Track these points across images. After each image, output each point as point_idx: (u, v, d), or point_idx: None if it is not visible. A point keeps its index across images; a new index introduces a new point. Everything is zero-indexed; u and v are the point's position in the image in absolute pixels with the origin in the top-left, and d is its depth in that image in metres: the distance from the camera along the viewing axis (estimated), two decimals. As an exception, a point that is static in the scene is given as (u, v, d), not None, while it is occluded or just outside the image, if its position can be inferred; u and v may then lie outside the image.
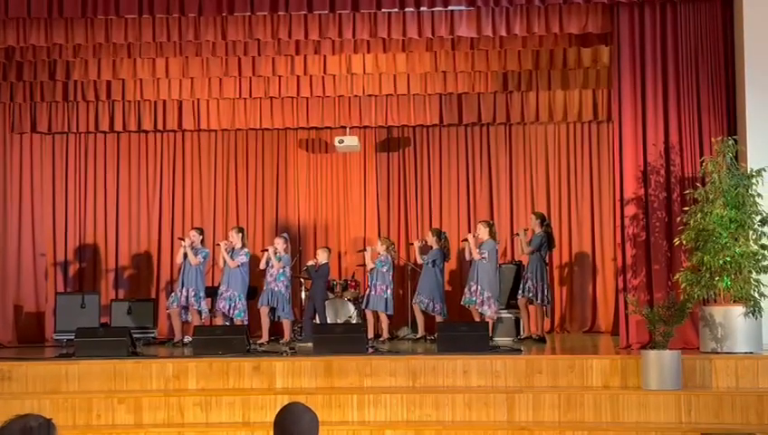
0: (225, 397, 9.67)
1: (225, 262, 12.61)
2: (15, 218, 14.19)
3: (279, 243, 12.74)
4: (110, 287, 14.74)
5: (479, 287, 12.28)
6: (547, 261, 12.90)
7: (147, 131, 14.82)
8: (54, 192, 14.80)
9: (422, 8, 10.82)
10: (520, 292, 12.66)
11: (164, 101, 14.22)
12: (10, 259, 14.02)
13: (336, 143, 14.21)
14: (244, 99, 14.04)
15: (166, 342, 13.01)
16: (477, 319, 12.23)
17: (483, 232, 12.53)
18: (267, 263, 12.66)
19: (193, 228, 13.27)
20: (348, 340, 10.72)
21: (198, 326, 11.89)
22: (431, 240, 13.10)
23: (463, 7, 10.86)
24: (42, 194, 14.59)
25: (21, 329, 13.93)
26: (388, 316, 12.95)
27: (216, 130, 14.86)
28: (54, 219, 14.77)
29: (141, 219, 15.01)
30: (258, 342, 12.13)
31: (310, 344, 11.41)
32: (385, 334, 12.77)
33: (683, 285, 9.76)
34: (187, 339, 12.33)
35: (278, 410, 3.70)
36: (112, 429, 9.46)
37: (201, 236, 12.89)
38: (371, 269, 12.96)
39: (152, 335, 13.38)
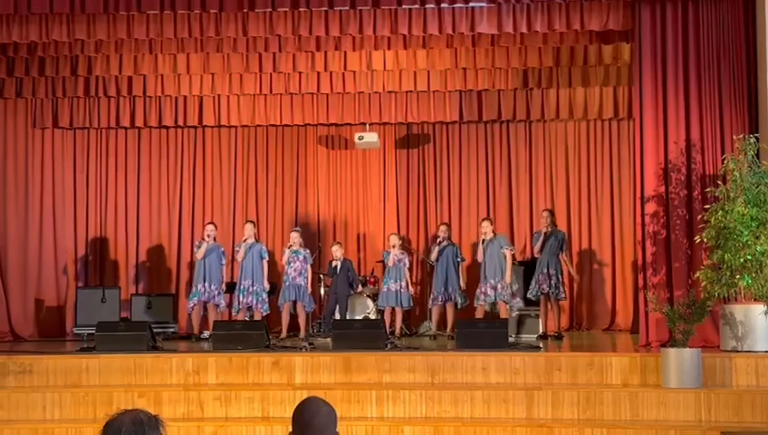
0: (245, 392, 9.70)
1: (254, 258, 12.65)
2: (37, 213, 14.30)
3: (295, 237, 12.76)
4: (131, 282, 14.80)
5: (505, 282, 12.23)
6: (557, 253, 12.79)
7: (167, 127, 14.88)
8: (75, 187, 14.84)
9: (443, 5, 10.84)
10: (535, 287, 12.63)
11: (185, 97, 14.28)
12: (31, 254, 14.13)
13: (356, 140, 14.21)
14: (265, 95, 14.08)
15: (186, 337, 13.05)
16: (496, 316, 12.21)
17: (488, 228, 12.50)
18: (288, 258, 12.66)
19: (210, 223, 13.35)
20: (367, 336, 10.73)
21: (218, 321, 11.94)
22: (443, 234, 13.02)
23: (484, 4, 10.88)
24: (63, 189, 14.67)
25: (42, 323, 14.04)
26: (405, 312, 12.94)
27: (236, 127, 14.89)
28: (75, 214, 14.82)
29: (162, 215, 15.06)
30: (280, 338, 12.17)
31: (329, 340, 11.44)
32: (398, 330, 12.73)
33: (703, 282, 9.71)
34: (207, 334, 12.37)
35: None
36: (132, 422, 9.48)
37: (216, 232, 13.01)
38: (388, 266, 12.93)
39: (172, 330, 13.45)
